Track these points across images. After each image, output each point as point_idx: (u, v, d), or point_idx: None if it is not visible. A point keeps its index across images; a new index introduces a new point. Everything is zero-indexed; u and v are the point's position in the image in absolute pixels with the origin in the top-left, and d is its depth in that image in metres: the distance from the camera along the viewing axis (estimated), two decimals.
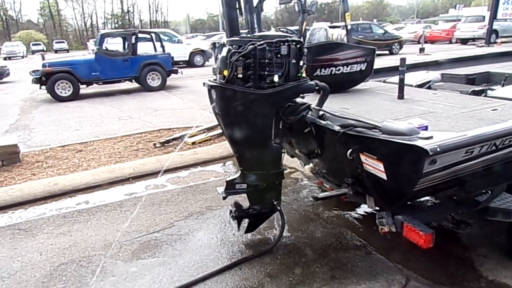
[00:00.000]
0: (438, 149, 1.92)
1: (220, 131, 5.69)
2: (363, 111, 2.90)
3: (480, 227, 3.23)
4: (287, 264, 2.83)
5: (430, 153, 1.91)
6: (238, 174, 2.87)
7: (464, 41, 23.19)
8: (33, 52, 41.03)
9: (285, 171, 2.99)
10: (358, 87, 3.86)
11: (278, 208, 2.96)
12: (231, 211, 2.97)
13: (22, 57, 36.89)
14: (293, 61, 2.57)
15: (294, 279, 2.67)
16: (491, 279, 2.57)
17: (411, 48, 20.92)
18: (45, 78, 10.31)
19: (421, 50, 17.64)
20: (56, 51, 43.34)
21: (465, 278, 2.59)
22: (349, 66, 3.63)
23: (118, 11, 65.01)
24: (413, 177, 2.10)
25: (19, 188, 4.38)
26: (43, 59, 12.97)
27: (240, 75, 2.47)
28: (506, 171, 2.43)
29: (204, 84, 2.78)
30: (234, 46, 2.57)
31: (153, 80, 11.65)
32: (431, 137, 2.00)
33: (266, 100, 2.53)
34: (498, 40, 20.24)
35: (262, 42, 2.46)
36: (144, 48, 12.21)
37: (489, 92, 3.62)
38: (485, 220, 2.95)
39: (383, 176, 2.20)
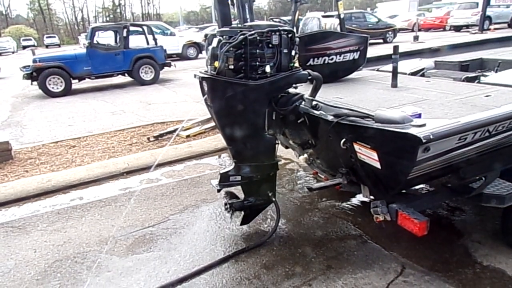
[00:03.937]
0: (431, 137, 1.91)
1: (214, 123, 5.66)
2: (356, 100, 2.88)
3: (475, 214, 3.25)
4: (283, 255, 2.83)
5: (423, 141, 1.90)
6: (232, 167, 2.85)
7: (457, 28, 23.12)
8: (24, 47, 40.55)
9: (280, 162, 2.98)
10: (351, 76, 3.83)
11: (273, 199, 2.96)
12: (225, 204, 2.96)
13: (13, 52, 36.46)
14: (285, 51, 2.54)
15: (290, 270, 2.67)
16: (486, 265, 2.59)
17: (405, 36, 20.86)
18: (36, 74, 10.16)
19: (415, 38, 17.61)
20: (47, 46, 42.84)
21: (460, 265, 2.61)
22: (342, 55, 3.60)
23: (109, 4, 64.16)
24: (407, 165, 2.09)
25: (12, 186, 4.34)
26: (34, 54, 12.78)
27: (231, 66, 2.44)
28: (499, 157, 2.43)
29: (195, 76, 2.75)
30: (224, 36, 2.53)
31: (146, 73, 11.53)
32: (424, 125, 1.99)
33: (258, 91, 2.50)
34: (492, 27, 20.22)
35: (252, 32, 2.42)
36: (136, 41, 12.07)
37: (482, 78, 3.61)
38: (480, 206, 2.96)
39: (377, 165, 2.19)
